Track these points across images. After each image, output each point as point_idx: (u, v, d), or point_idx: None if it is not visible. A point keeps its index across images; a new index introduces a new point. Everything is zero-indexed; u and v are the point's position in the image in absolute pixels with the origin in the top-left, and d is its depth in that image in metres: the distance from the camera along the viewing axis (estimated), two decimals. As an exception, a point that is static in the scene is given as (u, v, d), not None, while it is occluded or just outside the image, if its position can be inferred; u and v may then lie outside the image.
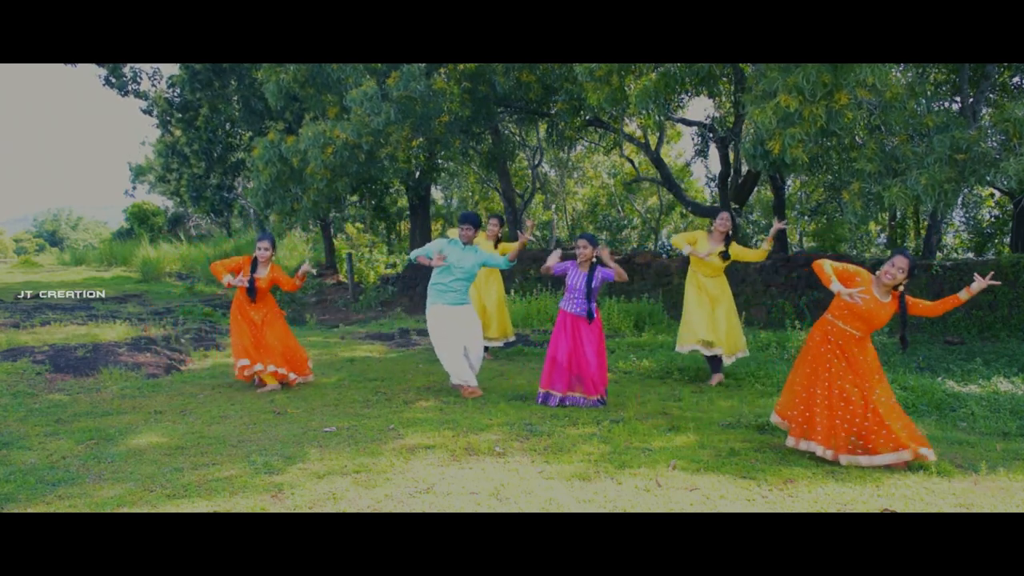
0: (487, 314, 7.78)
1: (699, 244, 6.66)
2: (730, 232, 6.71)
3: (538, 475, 4.03)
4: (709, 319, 6.63)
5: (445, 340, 6.08)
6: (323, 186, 11.38)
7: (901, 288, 4.29)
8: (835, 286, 4.27)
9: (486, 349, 8.07)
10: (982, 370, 7.16)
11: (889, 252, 15.70)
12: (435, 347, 6.19)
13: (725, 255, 6.63)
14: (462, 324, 6.10)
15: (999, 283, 4.27)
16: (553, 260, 5.79)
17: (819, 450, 4.32)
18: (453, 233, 7.18)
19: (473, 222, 6.15)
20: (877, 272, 4.33)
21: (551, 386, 5.80)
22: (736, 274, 11.34)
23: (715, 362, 6.78)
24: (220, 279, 6.19)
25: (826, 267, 4.36)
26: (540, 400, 5.84)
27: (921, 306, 4.36)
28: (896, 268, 4.21)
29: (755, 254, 6.78)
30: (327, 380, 6.78)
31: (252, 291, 6.23)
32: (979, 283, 4.23)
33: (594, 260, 5.80)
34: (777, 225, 6.63)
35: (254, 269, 6.27)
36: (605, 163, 21.41)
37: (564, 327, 5.84)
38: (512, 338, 8.18)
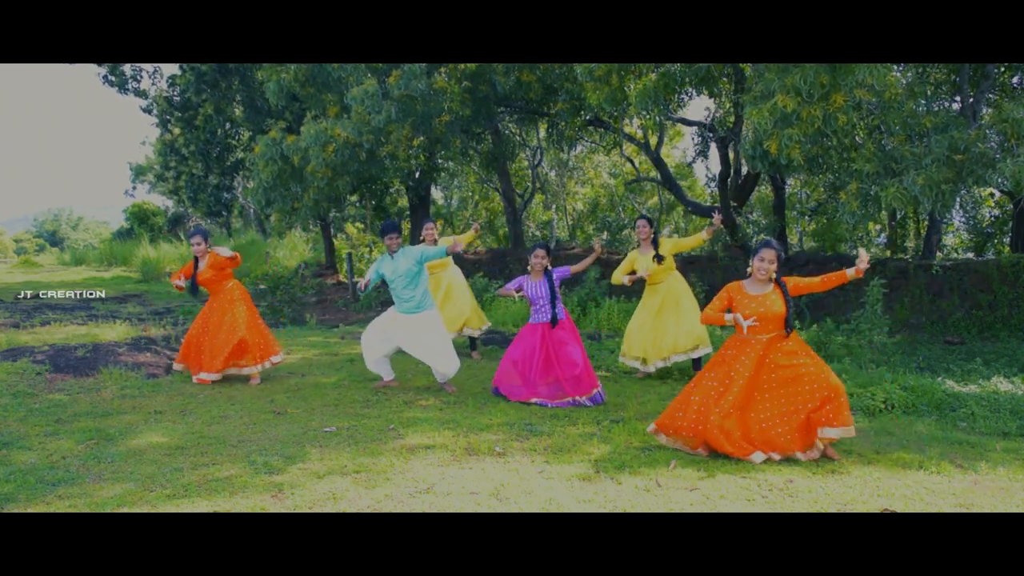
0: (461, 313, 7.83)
1: (637, 263, 6.72)
2: (654, 235, 6.75)
3: (538, 475, 4.03)
4: (647, 334, 6.74)
5: (371, 333, 6.25)
6: (323, 185, 11.39)
7: (773, 276, 4.39)
8: (728, 318, 4.36)
9: (474, 347, 8.09)
10: (982, 370, 7.16)
11: (889, 252, 15.73)
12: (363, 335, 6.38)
13: (659, 258, 6.64)
14: (414, 329, 6.10)
15: (868, 266, 4.34)
16: (505, 290, 5.98)
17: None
18: (447, 240, 7.16)
19: (396, 230, 6.16)
20: (749, 271, 4.45)
21: (510, 391, 5.87)
22: (736, 274, 11.34)
23: (695, 363, 6.94)
24: (174, 284, 6.54)
25: (709, 315, 4.48)
26: (493, 392, 5.96)
27: (803, 284, 4.46)
28: (765, 261, 4.35)
29: (691, 241, 6.84)
30: (327, 380, 6.77)
31: (193, 289, 6.53)
32: (862, 258, 4.25)
33: (547, 267, 5.89)
34: (717, 217, 6.63)
35: (196, 268, 6.51)
36: (606, 163, 21.40)
37: (534, 333, 5.89)
38: (487, 325, 8.16)
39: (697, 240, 6.79)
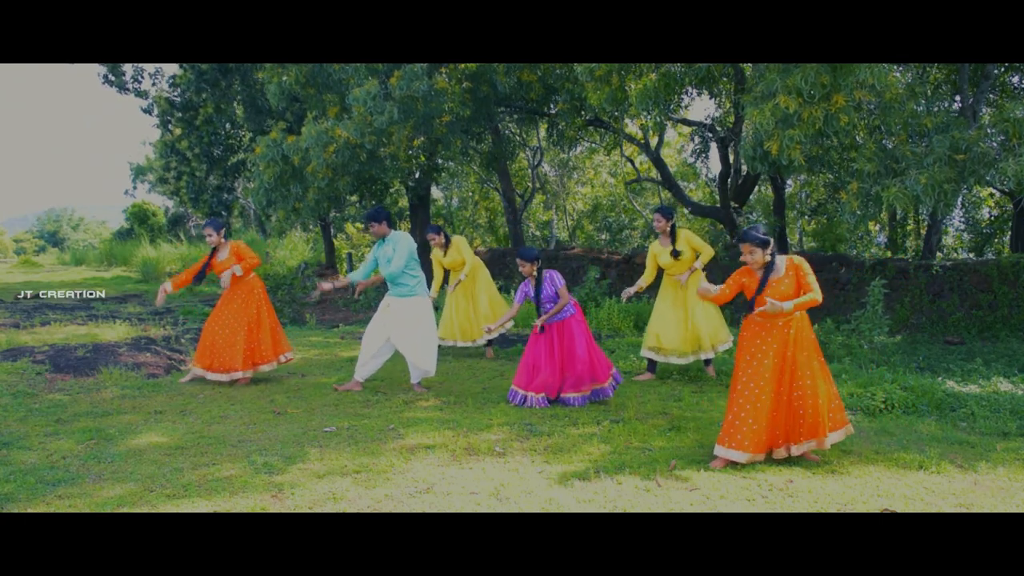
0: (478, 315, 7.83)
1: (660, 258, 6.65)
2: (674, 225, 6.64)
3: (538, 475, 4.04)
4: (670, 326, 6.63)
5: (370, 330, 6.24)
6: (324, 185, 11.40)
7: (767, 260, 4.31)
8: (769, 307, 4.12)
9: (489, 343, 8.09)
10: (982, 370, 7.15)
11: (889, 253, 15.73)
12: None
13: (676, 253, 6.56)
14: (395, 317, 6.12)
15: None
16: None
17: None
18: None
19: (376, 218, 6.14)
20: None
21: (529, 387, 5.75)
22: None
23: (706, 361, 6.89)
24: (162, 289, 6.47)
25: (718, 291, 4.36)
26: (510, 397, 5.81)
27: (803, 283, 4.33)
28: (746, 255, 4.29)
29: (707, 250, 6.61)
30: (327, 380, 6.77)
31: (200, 276, 6.49)
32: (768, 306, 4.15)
33: (534, 272, 5.86)
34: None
35: (212, 257, 6.52)
36: (606, 163, 21.40)
37: (538, 335, 5.85)
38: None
39: (709, 253, 6.62)
